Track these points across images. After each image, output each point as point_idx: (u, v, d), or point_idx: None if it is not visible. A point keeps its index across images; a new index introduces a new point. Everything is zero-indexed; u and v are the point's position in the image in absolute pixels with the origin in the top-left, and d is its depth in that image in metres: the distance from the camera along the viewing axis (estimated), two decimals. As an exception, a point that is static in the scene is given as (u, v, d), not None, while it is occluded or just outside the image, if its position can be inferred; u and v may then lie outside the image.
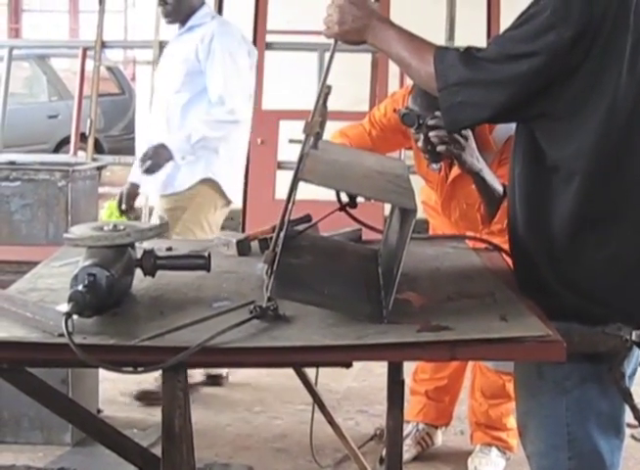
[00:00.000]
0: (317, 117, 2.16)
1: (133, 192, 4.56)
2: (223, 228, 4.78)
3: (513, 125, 2.29)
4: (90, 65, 7.54)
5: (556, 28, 1.99)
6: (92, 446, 3.77)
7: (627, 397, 2.15)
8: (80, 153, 7.82)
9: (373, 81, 7.06)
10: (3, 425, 4.00)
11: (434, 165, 3.29)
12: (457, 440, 4.15)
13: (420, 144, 3.06)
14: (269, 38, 6.85)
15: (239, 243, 2.64)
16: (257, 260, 2.38)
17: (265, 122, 6.63)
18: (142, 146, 4.64)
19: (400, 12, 5.80)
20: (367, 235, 2.72)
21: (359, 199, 2.30)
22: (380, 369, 4.24)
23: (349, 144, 3.36)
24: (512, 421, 3.71)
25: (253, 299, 2.07)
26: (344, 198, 2.31)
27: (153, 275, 2.21)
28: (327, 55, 2.26)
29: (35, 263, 2.55)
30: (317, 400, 3.11)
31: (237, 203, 4.86)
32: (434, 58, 2.10)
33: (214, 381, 4.74)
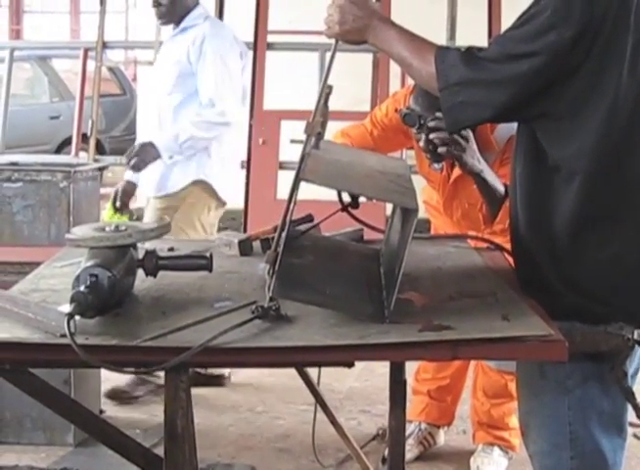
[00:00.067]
0: (318, 118, 2.16)
1: (129, 190, 4.57)
2: (225, 229, 4.79)
3: (514, 125, 2.29)
4: (91, 65, 7.54)
5: (557, 28, 1.99)
6: (94, 446, 3.77)
7: (629, 396, 2.15)
8: (82, 154, 7.82)
9: (374, 81, 7.06)
10: (5, 426, 4.00)
11: (436, 165, 3.29)
12: (459, 439, 4.15)
13: (421, 144, 3.06)
14: (270, 38, 6.84)
15: (241, 243, 2.64)
16: (259, 261, 2.38)
17: (267, 123, 6.63)
18: None
19: (401, 11, 5.79)
20: (369, 235, 2.72)
21: (361, 198, 2.30)
22: (382, 369, 4.23)
23: (351, 144, 3.36)
24: (514, 420, 3.71)
25: (255, 299, 2.07)
26: (346, 198, 2.31)
27: (155, 276, 2.21)
28: (328, 55, 2.26)
29: (37, 264, 2.55)
30: (319, 400, 3.11)
31: (231, 204, 4.85)
32: (435, 58, 2.10)
33: (216, 381, 4.74)
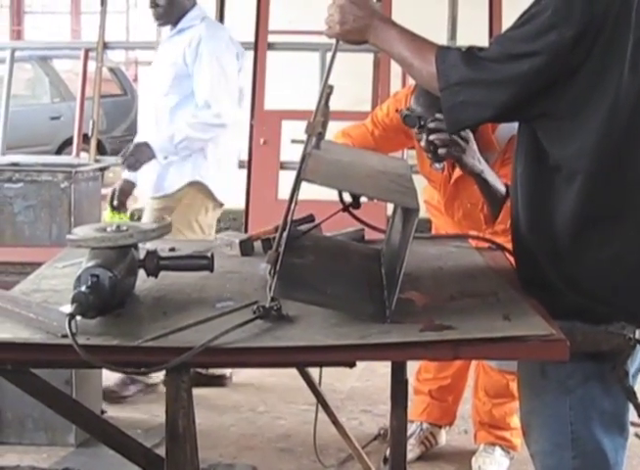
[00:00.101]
0: (319, 117, 2.16)
1: (126, 189, 4.59)
2: (227, 229, 4.80)
3: (516, 125, 2.29)
4: (92, 66, 7.53)
5: (557, 28, 1.99)
6: (96, 446, 3.77)
7: (631, 395, 2.15)
8: (83, 154, 7.82)
9: (375, 81, 7.06)
10: (7, 426, 4.00)
11: (437, 165, 3.29)
12: (461, 439, 4.15)
13: (422, 144, 3.06)
14: (271, 38, 6.84)
15: (242, 243, 2.64)
16: (260, 261, 2.38)
17: (268, 123, 6.63)
18: None
19: (402, 11, 5.80)
20: (370, 235, 2.71)
21: (362, 198, 2.30)
22: (383, 369, 4.23)
23: (352, 144, 3.36)
24: (515, 420, 3.71)
25: (257, 299, 2.07)
26: (347, 198, 2.31)
27: (156, 276, 2.21)
28: (329, 55, 2.26)
29: (39, 265, 2.55)
30: (321, 400, 3.11)
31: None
32: (436, 57, 2.10)
33: (218, 381, 4.74)
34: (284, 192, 5.98)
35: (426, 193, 3.69)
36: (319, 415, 3.10)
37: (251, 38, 6.77)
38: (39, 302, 2.09)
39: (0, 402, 3.98)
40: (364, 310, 2.00)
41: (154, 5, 4.54)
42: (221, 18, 7.00)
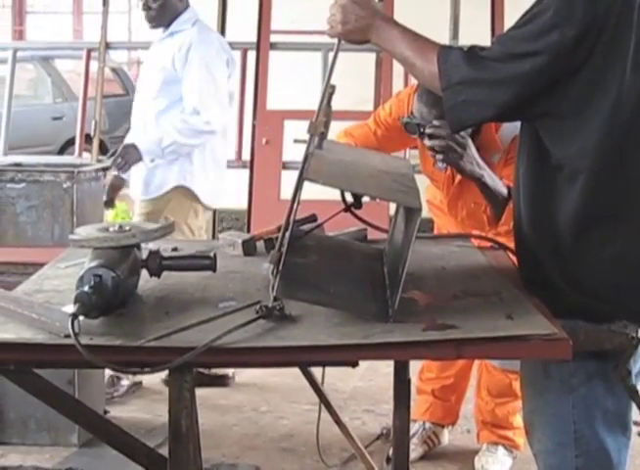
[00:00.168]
0: (322, 117, 2.16)
1: (116, 184, 4.61)
2: (229, 229, 4.81)
3: (519, 124, 2.29)
4: (94, 66, 7.52)
5: (559, 28, 1.99)
6: (99, 446, 3.77)
7: (634, 394, 2.14)
8: (85, 154, 7.82)
9: (377, 81, 7.05)
10: (10, 426, 4.01)
11: (440, 165, 3.29)
12: (464, 438, 4.15)
13: (427, 143, 3.07)
14: (273, 38, 6.84)
15: (244, 243, 2.64)
16: (263, 260, 2.38)
17: (270, 122, 6.63)
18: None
19: (404, 11, 5.80)
20: (372, 234, 2.71)
21: (364, 198, 2.30)
22: (386, 369, 4.24)
23: (354, 144, 3.36)
24: (518, 420, 3.71)
25: (259, 299, 2.07)
26: (349, 198, 2.31)
27: (158, 276, 2.21)
28: (331, 55, 2.26)
29: (41, 265, 2.55)
30: (323, 400, 3.11)
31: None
32: (438, 57, 2.10)
33: (220, 381, 4.74)
34: (286, 192, 5.98)
35: (428, 193, 3.69)
36: (322, 415, 3.10)
37: (254, 38, 6.77)
38: (42, 302, 2.09)
39: (3, 403, 3.98)
40: (367, 310, 2.00)
41: (146, 8, 4.55)
42: (223, 18, 7.00)
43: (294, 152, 5.74)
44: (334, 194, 2.26)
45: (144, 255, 2.21)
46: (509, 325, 1.92)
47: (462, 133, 2.95)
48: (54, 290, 2.24)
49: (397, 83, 6.60)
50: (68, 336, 1.81)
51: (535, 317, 1.96)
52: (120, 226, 2.16)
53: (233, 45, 6.98)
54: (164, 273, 2.22)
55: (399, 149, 3.82)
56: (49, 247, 3.86)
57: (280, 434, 4.22)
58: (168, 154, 4.43)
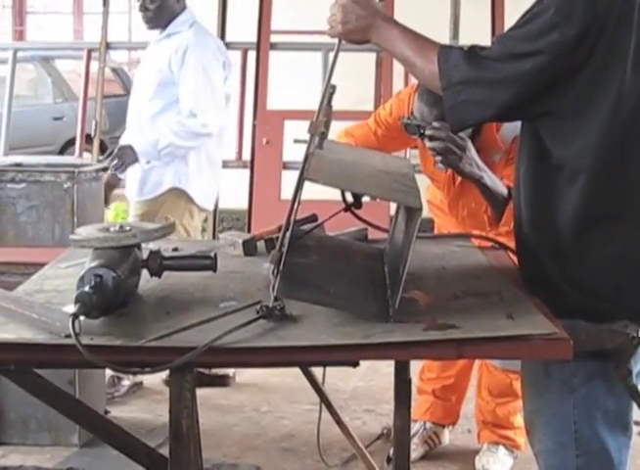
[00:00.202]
0: (322, 117, 2.16)
1: (112, 182, 4.62)
2: (229, 229, 4.82)
3: (520, 124, 2.29)
4: (95, 66, 7.53)
5: (559, 27, 1.99)
6: (99, 446, 3.77)
7: (635, 394, 2.14)
8: (86, 154, 7.82)
9: (377, 81, 7.05)
10: (10, 427, 4.00)
11: (441, 165, 3.30)
12: (464, 438, 4.15)
13: (428, 145, 3.07)
14: (273, 38, 6.84)
15: (245, 243, 2.64)
16: (264, 260, 2.38)
17: (270, 123, 6.63)
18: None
19: (404, 11, 5.80)
20: (373, 234, 2.71)
21: (365, 198, 2.30)
22: (387, 368, 4.24)
23: (355, 143, 3.36)
24: (519, 419, 3.71)
25: (260, 299, 2.07)
26: (350, 197, 2.31)
27: (159, 276, 2.21)
28: (331, 54, 2.26)
29: (42, 265, 2.55)
30: (324, 400, 3.11)
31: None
32: (438, 57, 2.10)
33: (221, 381, 4.74)
34: (287, 192, 5.98)
35: (428, 192, 3.69)
36: (323, 415, 3.10)
37: (254, 38, 6.77)
38: (42, 302, 2.09)
39: (3, 403, 3.98)
40: (367, 310, 2.00)
41: (143, 9, 4.55)
42: (223, 18, 7.00)
43: (294, 152, 5.74)
44: (334, 194, 2.26)
45: (144, 255, 2.21)
46: (510, 325, 1.91)
47: (461, 135, 2.95)
48: (54, 290, 2.25)
49: (398, 83, 6.61)
50: (68, 336, 1.81)
51: (536, 317, 1.96)
52: (121, 226, 2.16)
53: (233, 45, 7.03)
54: (165, 273, 2.22)
55: (400, 149, 3.82)
56: (49, 247, 3.86)
57: (281, 434, 4.22)
58: (164, 156, 4.44)
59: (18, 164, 4.27)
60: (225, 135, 4.90)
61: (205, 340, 1.83)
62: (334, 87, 2.18)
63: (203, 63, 4.48)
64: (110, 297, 1.94)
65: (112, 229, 2.15)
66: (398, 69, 6.40)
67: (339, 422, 3.19)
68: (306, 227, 2.46)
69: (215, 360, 2.02)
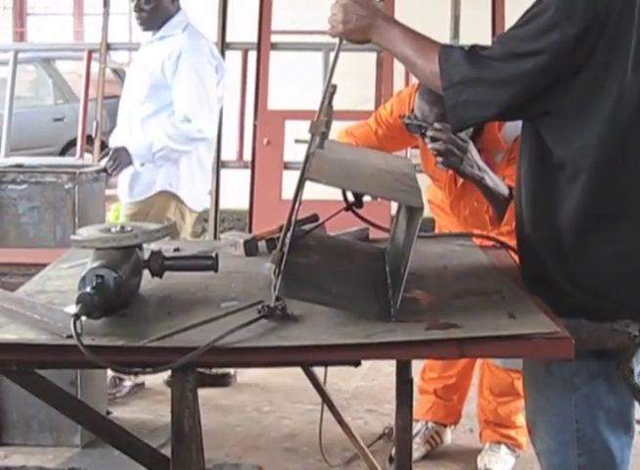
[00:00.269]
0: (323, 117, 2.16)
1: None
2: (231, 229, 4.83)
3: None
4: (95, 67, 7.52)
5: (560, 27, 1.99)
6: (102, 447, 3.78)
7: (637, 393, 2.14)
8: (87, 155, 7.82)
9: (378, 80, 7.05)
10: (12, 427, 4.01)
11: (441, 165, 3.30)
12: (466, 438, 4.15)
13: (429, 145, 3.07)
14: (274, 38, 6.84)
15: (246, 243, 2.64)
16: (265, 260, 2.38)
17: (271, 123, 6.63)
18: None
19: (405, 10, 5.79)
20: (374, 234, 2.72)
21: (366, 198, 2.30)
22: (388, 368, 4.24)
23: (355, 143, 3.36)
24: (521, 419, 3.71)
25: (261, 298, 2.07)
26: (351, 197, 2.31)
27: (160, 276, 2.21)
28: (332, 54, 2.26)
29: (43, 266, 2.55)
30: (326, 400, 3.11)
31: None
32: (439, 56, 2.10)
33: (222, 381, 4.74)
34: (288, 192, 5.98)
35: (429, 192, 3.69)
36: (324, 415, 3.10)
37: (254, 38, 6.77)
38: (44, 303, 2.10)
39: (5, 404, 3.99)
40: (369, 309, 2.00)
41: (138, 9, 4.54)
42: (224, 18, 7.00)
43: (295, 152, 5.74)
44: (335, 194, 2.26)
45: (146, 255, 2.21)
46: (511, 324, 1.91)
47: (463, 137, 2.95)
48: (56, 290, 2.25)
49: (398, 83, 6.61)
50: (70, 336, 1.81)
51: (538, 316, 1.96)
52: (122, 227, 2.17)
53: (234, 45, 7.03)
54: (166, 273, 2.22)
55: (401, 148, 3.82)
56: (51, 248, 3.87)
57: (283, 434, 4.22)
58: (158, 159, 4.45)
59: (19, 166, 4.27)
60: (215, 138, 4.91)
61: (206, 340, 1.83)
62: (334, 87, 2.18)
63: (196, 68, 4.49)
64: (111, 297, 1.95)
65: (113, 230, 2.15)
66: (399, 68, 6.41)
67: (340, 422, 3.19)
68: (307, 227, 2.46)
69: (217, 360, 2.02)
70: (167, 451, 2.03)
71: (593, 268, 2.11)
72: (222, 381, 4.74)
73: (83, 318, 1.85)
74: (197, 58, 4.52)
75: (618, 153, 2.05)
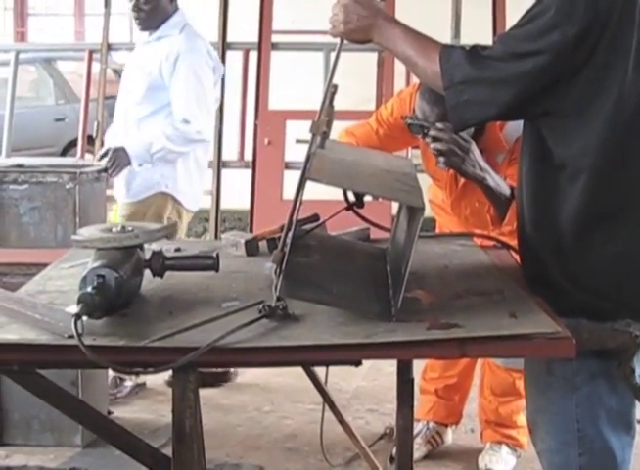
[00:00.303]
0: (324, 117, 2.16)
1: None
2: (232, 229, 4.84)
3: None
4: (96, 67, 7.53)
5: (560, 27, 1.99)
6: (103, 447, 3.78)
7: (638, 393, 2.14)
8: (87, 155, 7.82)
9: (379, 80, 7.06)
10: (14, 427, 4.01)
11: (443, 165, 3.30)
12: (467, 438, 4.15)
13: (431, 145, 3.07)
14: (275, 38, 6.85)
15: (247, 243, 2.64)
16: (266, 260, 2.38)
17: (272, 123, 6.64)
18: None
19: (406, 10, 5.79)
20: (375, 234, 2.72)
21: (367, 197, 2.30)
22: (389, 368, 4.24)
23: (356, 143, 3.36)
24: (522, 418, 3.71)
25: (262, 298, 2.07)
26: (352, 197, 2.31)
27: (162, 276, 2.22)
28: (333, 54, 2.26)
29: (44, 266, 2.55)
30: (327, 400, 3.11)
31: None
32: (440, 56, 2.10)
33: (223, 378, 4.75)
34: (288, 192, 5.98)
35: (430, 192, 3.69)
36: (325, 415, 3.10)
37: (255, 38, 6.78)
38: (45, 303, 2.10)
39: (6, 404, 3.99)
40: (370, 309, 2.00)
41: (137, 9, 4.53)
42: (225, 18, 7.00)
43: (296, 152, 5.74)
44: (336, 194, 2.26)
45: (147, 255, 2.21)
46: (512, 324, 1.91)
47: (465, 137, 2.95)
48: (57, 290, 2.25)
49: (399, 82, 6.62)
50: (71, 336, 1.81)
51: (539, 316, 1.96)
52: (123, 227, 2.17)
53: (234, 46, 7.04)
54: (167, 273, 2.22)
55: (401, 148, 3.82)
56: (52, 248, 3.87)
57: (284, 434, 4.22)
58: (157, 159, 4.45)
59: (20, 166, 4.28)
60: (211, 139, 4.93)
61: (207, 340, 1.83)
62: (335, 87, 2.18)
63: (194, 69, 4.49)
64: (112, 297, 1.95)
65: (114, 230, 2.15)
66: (400, 68, 6.40)
67: (341, 422, 3.19)
68: (308, 227, 2.46)
69: (218, 360, 2.02)
70: (168, 451, 2.03)
71: (593, 268, 2.11)
72: (223, 377, 4.74)
73: (84, 318, 1.85)
74: (195, 59, 4.52)
75: (619, 153, 2.05)
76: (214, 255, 2.24)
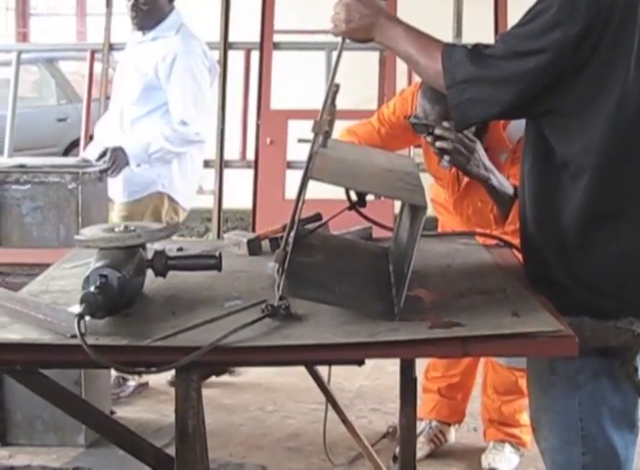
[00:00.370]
0: (326, 116, 2.16)
1: None
2: (234, 228, 4.84)
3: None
4: (98, 67, 7.53)
5: (562, 26, 1.99)
6: (106, 447, 3.78)
7: (641, 391, 2.14)
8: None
9: (381, 79, 7.05)
10: (17, 427, 4.01)
11: (445, 164, 3.29)
12: (470, 437, 4.14)
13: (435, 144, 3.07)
14: (277, 38, 6.84)
15: (250, 242, 2.64)
16: (268, 260, 2.38)
17: (274, 122, 6.63)
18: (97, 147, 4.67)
19: (407, 9, 5.78)
20: (377, 233, 2.71)
21: (369, 197, 2.30)
22: (392, 367, 4.23)
23: (358, 142, 3.36)
24: (525, 417, 3.71)
25: (265, 298, 2.07)
26: (354, 196, 2.31)
27: (164, 276, 2.22)
28: (335, 54, 2.26)
29: (47, 266, 2.55)
30: (330, 399, 3.11)
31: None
32: (442, 55, 2.10)
33: (225, 369, 4.75)
34: (291, 191, 5.98)
35: (432, 191, 3.69)
36: (328, 414, 3.10)
37: (257, 38, 6.77)
38: (48, 302, 2.10)
39: (10, 404, 3.99)
40: (373, 308, 2.00)
41: (136, 9, 4.53)
42: (227, 18, 7.00)
43: (298, 151, 5.75)
44: (339, 193, 2.26)
45: (149, 255, 2.21)
46: (515, 322, 1.91)
47: (470, 136, 2.95)
48: (60, 290, 2.25)
49: (401, 82, 6.60)
50: (74, 336, 1.81)
51: (541, 314, 1.96)
52: (126, 227, 2.17)
53: (236, 45, 7.03)
54: (170, 273, 2.22)
55: (403, 147, 3.81)
56: (54, 247, 3.87)
57: (286, 433, 4.22)
58: (154, 160, 4.45)
59: (22, 166, 4.27)
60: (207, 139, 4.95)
61: (210, 339, 1.83)
62: (337, 86, 2.18)
63: (192, 70, 4.50)
64: (115, 297, 1.95)
65: (116, 229, 2.16)
66: (402, 67, 6.39)
67: (344, 421, 3.19)
68: (311, 226, 2.47)
69: (221, 360, 2.02)
70: (171, 451, 2.03)
71: (596, 267, 2.11)
72: (225, 369, 4.74)
73: (87, 318, 1.86)
74: (191, 60, 4.52)
75: (621, 151, 2.05)
76: (217, 254, 2.24)
